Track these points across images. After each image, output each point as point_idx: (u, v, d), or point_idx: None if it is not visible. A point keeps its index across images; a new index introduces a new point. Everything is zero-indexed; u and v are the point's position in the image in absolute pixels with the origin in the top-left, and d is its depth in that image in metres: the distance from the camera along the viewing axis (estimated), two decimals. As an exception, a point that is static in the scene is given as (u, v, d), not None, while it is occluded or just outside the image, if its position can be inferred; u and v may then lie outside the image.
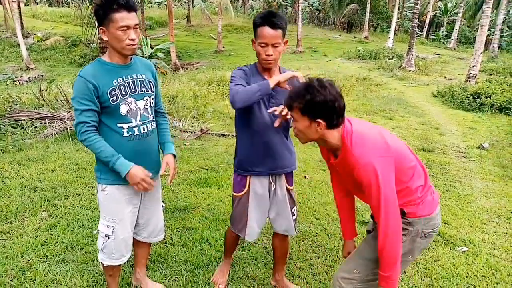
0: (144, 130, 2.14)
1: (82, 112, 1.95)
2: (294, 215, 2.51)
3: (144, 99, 2.13)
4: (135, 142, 2.11)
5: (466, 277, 2.99)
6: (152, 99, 2.20)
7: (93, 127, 1.99)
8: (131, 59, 2.12)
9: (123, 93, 2.03)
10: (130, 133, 2.08)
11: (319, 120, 1.72)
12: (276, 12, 2.14)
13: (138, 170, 2.03)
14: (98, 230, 2.25)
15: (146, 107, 2.15)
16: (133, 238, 2.38)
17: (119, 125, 2.05)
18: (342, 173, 1.91)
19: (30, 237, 3.15)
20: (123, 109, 2.04)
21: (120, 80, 2.03)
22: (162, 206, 2.54)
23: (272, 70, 2.23)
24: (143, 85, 2.13)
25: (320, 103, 1.69)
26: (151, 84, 2.18)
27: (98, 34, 7.41)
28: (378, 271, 1.78)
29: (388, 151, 1.75)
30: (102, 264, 2.28)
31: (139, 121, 2.11)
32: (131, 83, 2.07)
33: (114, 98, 2.00)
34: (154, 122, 2.24)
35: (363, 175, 1.70)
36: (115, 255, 2.22)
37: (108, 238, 2.17)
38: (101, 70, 2.00)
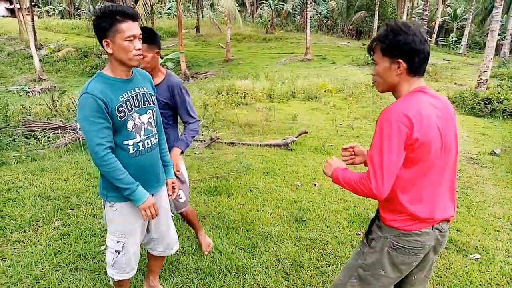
0: (148, 144, 2.10)
1: (97, 133, 1.86)
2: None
3: (148, 112, 2.09)
4: (140, 158, 2.07)
5: (480, 285, 2.95)
6: (154, 111, 2.15)
7: (110, 148, 1.91)
8: (132, 72, 2.06)
9: (129, 108, 1.98)
10: (135, 149, 2.04)
11: (399, 60, 1.62)
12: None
13: (151, 198, 2.06)
14: (106, 245, 2.22)
15: (150, 120, 2.11)
16: (148, 252, 2.43)
17: (125, 142, 1.99)
18: None
19: (44, 246, 3.19)
20: (130, 125, 1.99)
21: (125, 95, 1.98)
22: (172, 216, 2.57)
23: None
24: (145, 99, 2.08)
25: (402, 42, 1.59)
26: (152, 96, 2.14)
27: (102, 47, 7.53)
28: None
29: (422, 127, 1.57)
30: (113, 279, 2.28)
31: (143, 135, 2.07)
32: (135, 98, 2.02)
33: (122, 114, 1.94)
34: (157, 135, 2.20)
35: (377, 126, 1.62)
36: (126, 269, 2.22)
37: (119, 253, 2.16)
38: (106, 85, 1.92)
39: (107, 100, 1.88)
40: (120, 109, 1.93)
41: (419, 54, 1.61)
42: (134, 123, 2.01)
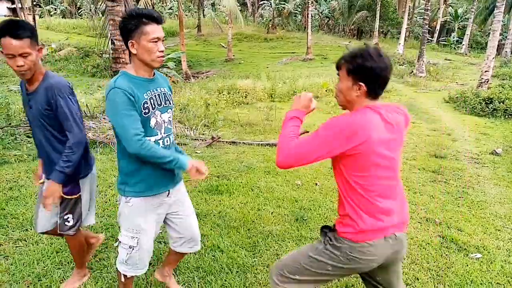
0: (167, 142, 2.16)
1: (132, 124, 1.92)
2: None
3: (168, 111, 2.16)
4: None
5: (481, 284, 2.96)
6: (173, 111, 2.25)
7: (145, 136, 1.98)
8: (154, 72, 2.14)
9: (153, 106, 2.05)
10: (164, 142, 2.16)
11: (361, 83, 1.72)
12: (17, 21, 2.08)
13: (193, 160, 2.10)
14: (119, 242, 2.24)
15: (170, 119, 2.19)
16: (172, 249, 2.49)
17: (147, 139, 2.01)
18: None
19: (46, 244, 3.20)
20: (152, 122, 2.06)
21: (149, 93, 2.04)
22: None
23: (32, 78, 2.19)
24: (166, 98, 2.16)
25: (371, 69, 1.68)
26: (170, 97, 2.22)
27: (111, 45, 7.54)
28: None
29: (352, 128, 1.67)
30: (125, 276, 2.28)
31: (164, 133, 2.13)
32: (157, 96, 2.09)
33: (146, 111, 2.01)
34: (173, 134, 2.27)
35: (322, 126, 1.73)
36: (139, 265, 2.25)
37: (133, 249, 2.18)
38: (131, 83, 1.97)
39: (134, 95, 1.95)
40: (145, 105, 2.01)
41: (381, 81, 1.73)
42: (156, 121, 2.09)
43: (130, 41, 1.97)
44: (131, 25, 1.94)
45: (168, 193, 2.24)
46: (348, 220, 1.75)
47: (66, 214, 2.42)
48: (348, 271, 1.84)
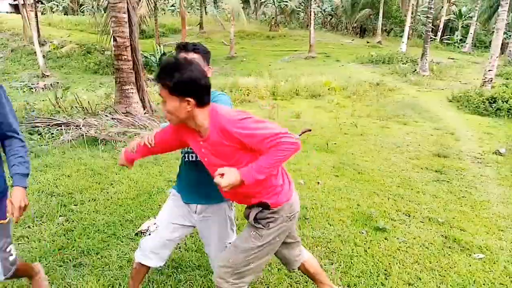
0: (190, 158, 2.22)
1: None
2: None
3: None
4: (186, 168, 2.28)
5: (483, 284, 2.94)
6: None
7: None
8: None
9: None
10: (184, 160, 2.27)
11: (188, 98, 1.69)
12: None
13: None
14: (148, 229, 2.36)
15: None
16: None
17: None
18: (212, 147, 1.84)
19: (48, 242, 3.21)
20: None
21: None
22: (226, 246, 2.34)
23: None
24: None
25: (189, 80, 1.67)
26: None
27: (113, 42, 7.52)
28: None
29: (248, 114, 1.82)
30: (136, 262, 2.33)
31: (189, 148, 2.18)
32: None
33: None
34: None
35: (243, 131, 1.74)
36: (149, 255, 2.27)
37: (150, 234, 2.28)
38: None
39: None
40: None
41: (205, 89, 1.74)
42: None
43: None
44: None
45: (196, 209, 2.26)
46: (276, 190, 1.95)
47: (7, 245, 2.05)
48: (289, 228, 2.10)
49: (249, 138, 1.74)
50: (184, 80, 1.66)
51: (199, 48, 2.18)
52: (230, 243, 2.29)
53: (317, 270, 2.42)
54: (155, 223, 2.29)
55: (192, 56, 2.07)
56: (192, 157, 2.18)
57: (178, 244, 3.24)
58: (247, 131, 1.73)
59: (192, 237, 3.40)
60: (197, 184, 2.20)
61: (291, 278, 2.87)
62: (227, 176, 1.74)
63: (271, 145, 1.72)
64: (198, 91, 1.71)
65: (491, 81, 13.17)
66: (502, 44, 14.85)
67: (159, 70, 1.72)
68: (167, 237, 2.27)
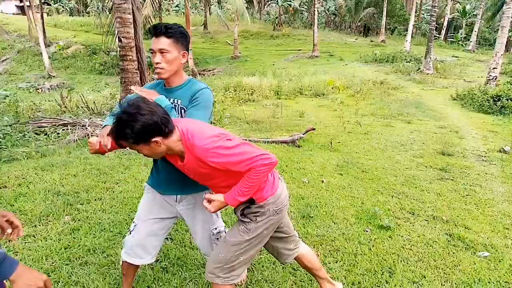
0: None
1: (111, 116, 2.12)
2: None
3: None
4: (161, 164, 2.20)
5: (488, 283, 2.94)
6: None
7: None
8: (184, 82, 2.15)
9: None
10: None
11: (154, 140, 1.73)
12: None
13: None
14: None
15: None
16: None
17: None
18: (192, 170, 1.93)
19: (54, 241, 3.23)
20: None
21: None
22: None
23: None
24: (176, 110, 2.13)
25: (142, 129, 1.68)
26: (182, 110, 2.15)
27: (118, 42, 7.57)
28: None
29: (219, 132, 1.88)
30: (122, 261, 2.35)
31: None
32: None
33: None
34: None
35: (217, 159, 1.78)
36: (130, 253, 2.29)
37: (130, 233, 2.28)
38: (157, 86, 2.19)
39: None
40: None
41: (162, 124, 1.72)
42: None
43: None
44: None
45: (177, 198, 2.25)
46: (260, 185, 1.97)
47: None
48: (277, 222, 2.12)
49: (224, 165, 1.80)
50: (138, 131, 1.68)
51: (172, 31, 2.01)
52: (215, 228, 2.33)
53: (315, 266, 2.44)
54: (133, 222, 2.30)
55: (163, 40, 1.99)
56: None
57: (183, 242, 3.28)
58: (222, 160, 1.78)
59: (197, 235, 3.42)
60: (176, 175, 2.16)
61: (295, 276, 2.89)
62: (214, 204, 1.94)
63: (247, 168, 1.80)
64: (157, 130, 1.72)
65: (495, 79, 13.10)
66: (506, 42, 14.74)
67: (114, 132, 1.73)
68: (148, 231, 2.26)
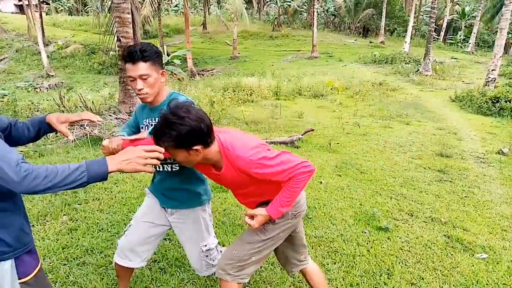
0: (164, 168, 2.15)
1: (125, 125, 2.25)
2: None
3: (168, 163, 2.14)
4: (159, 175, 2.22)
5: (486, 284, 2.94)
6: None
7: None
8: (165, 99, 2.10)
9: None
10: (154, 168, 2.18)
11: (195, 147, 1.70)
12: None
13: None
14: None
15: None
16: None
17: None
18: (228, 179, 1.93)
19: (52, 240, 3.23)
20: None
21: (148, 120, 2.14)
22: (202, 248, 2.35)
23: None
24: None
25: (189, 133, 1.65)
26: None
27: (117, 42, 7.56)
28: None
29: (259, 142, 1.88)
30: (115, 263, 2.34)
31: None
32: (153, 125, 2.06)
33: None
34: (177, 165, 2.14)
35: (261, 170, 1.77)
36: (121, 255, 2.28)
37: (124, 234, 2.29)
38: (142, 109, 2.21)
39: (137, 116, 2.23)
40: (142, 130, 2.17)
41: (207, 132, 1.71)
42: None
43: None
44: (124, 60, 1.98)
45: (168, 211, 2.26)
46: None
47: None
48: (293, 227, 2.13)
49: (268, 175, 1.80)
50: (184, 135, 1.65)
51: (148, 53, 1.93)
52: (205, 245, 2.30)
53: (320, 285, 2.38)
54: (130, 224, 2.29)
55: (141, 66, 1.92)
56: (167, 168, 2.14)
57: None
58: (266, 170, 1.78)
59: (195, 236, 3.41)
60: (170, 190, 2.20)
61: (293, 278, 2.89)
62: (258, 219, 1.93)
63: (289, 177, 1.79)
64: (200, 138, 1.70)
65: (494, 80, 13.12)
66: (505, 44, 14.77)
67: (157, 132, 1.69)
68: (142, 233, 2.26)
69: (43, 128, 1.82)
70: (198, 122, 1.66)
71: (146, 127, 2.14)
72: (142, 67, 1.92)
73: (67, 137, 1.79)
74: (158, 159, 1.55)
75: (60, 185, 1.36)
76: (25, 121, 1.82)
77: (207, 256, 2.32)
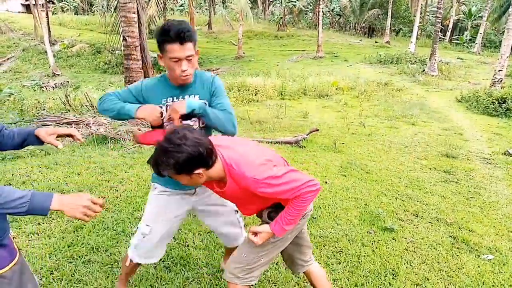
0: None
1: (120, 92, 2.07)
2: None
3: (192, 119, 2.06)
4: None
5: (492, 286, 2.93)
6: (201, 120, 2.09)
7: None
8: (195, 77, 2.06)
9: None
10: None
11: (196, 172, 1.67)
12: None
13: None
14: (137, 227, 2.29)
15: (195, 127, 2.03)
16: None
17: None
18: (231, 196, 1.92)
19: (57, 238, 3.25)
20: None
21: (170, 100, 2.03)
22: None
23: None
24: None
25: (187, 160, 1.61)
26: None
27: (123, 41, 7.59)
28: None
29: (265, 158, 1.84)
30: (131, 261, 2.31)
31: None
32: None
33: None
34: None
35: (266, 189, 1.74)
36: (147, 255, 2.28)
37: (144, 237, 2.21)
38: (159, 87, 2.04)
39: (145, 97, 2.04)
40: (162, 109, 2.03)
41: (207, 155, 1.66)
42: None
43: (158, 54, 1.96)
44: (159, 39, 1.89)
45: (195, 192, 2.24)
46: None
47: None
48: (300, 228, 2.13)
49: (273, 194, 1.78)
50: (182, 162, 1.61)
51: (192, 33, 1.86)
52: (236, 209, 2.35)
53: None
54: (147, 225, 2.21)
55: (189, 46, 1.85)
56: None
57: (186, 242, 3.28)
58: (272, 190, 1.74)
59: (200, 235, 3.42)
60: None
61: (298, 277, 2.88)
62: (261, 236, 1.92)
63: (294, 196, 1.77)
64: (201, 162, 1.66)
65: (500, 81, 13.03)
66: (512, 44, 14.63)
67: (154, 161, 1.65)
68: (165, 231, 2.24)
69: (29, 140, 1.82)
70: (196, 147, 1.61)
71: (167, 107, 2.04)
72: (189, 48, 1.87)
73: (56, 146, 1.80)
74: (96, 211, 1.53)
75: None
76: (14, 128, 1.85)
77: (240, 217, 2.43)
